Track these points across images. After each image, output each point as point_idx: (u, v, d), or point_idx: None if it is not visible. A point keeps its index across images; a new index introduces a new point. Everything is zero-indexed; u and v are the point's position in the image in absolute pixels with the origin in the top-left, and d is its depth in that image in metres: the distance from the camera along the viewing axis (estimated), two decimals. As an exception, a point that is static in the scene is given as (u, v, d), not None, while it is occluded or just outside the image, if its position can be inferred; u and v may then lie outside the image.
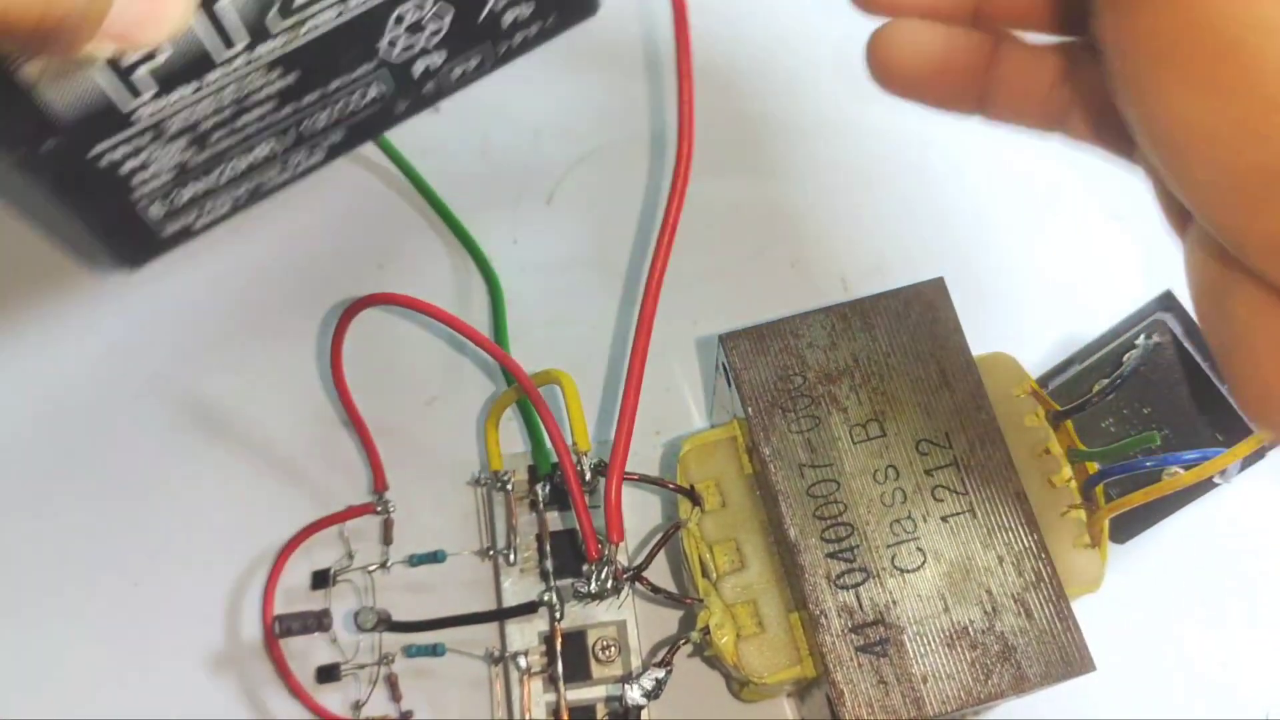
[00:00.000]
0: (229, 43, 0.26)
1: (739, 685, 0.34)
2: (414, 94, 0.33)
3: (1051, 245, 0.41)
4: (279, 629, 0.35)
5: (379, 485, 0.37)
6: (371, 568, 0.36)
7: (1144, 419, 0.36)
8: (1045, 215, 0.42)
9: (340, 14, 0.28)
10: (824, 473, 0.31)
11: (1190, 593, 0.37)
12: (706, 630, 0.31)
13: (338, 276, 0.42)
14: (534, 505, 0.36)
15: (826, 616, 0.29)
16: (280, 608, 0.37)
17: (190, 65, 0.26)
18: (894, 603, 0.29)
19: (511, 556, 0.36)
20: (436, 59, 0.32)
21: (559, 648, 0.34)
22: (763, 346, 0.32)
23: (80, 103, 0.25)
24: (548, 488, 0.36)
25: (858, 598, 0.30)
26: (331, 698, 0.35)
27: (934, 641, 0.29)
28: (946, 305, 0.33)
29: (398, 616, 0.34)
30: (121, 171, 0.28)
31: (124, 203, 0.29)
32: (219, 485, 0.39)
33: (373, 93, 0.32)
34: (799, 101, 0.44)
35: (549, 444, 0.34)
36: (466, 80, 0.34)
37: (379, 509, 0.37)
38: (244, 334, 0.41)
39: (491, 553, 0.36)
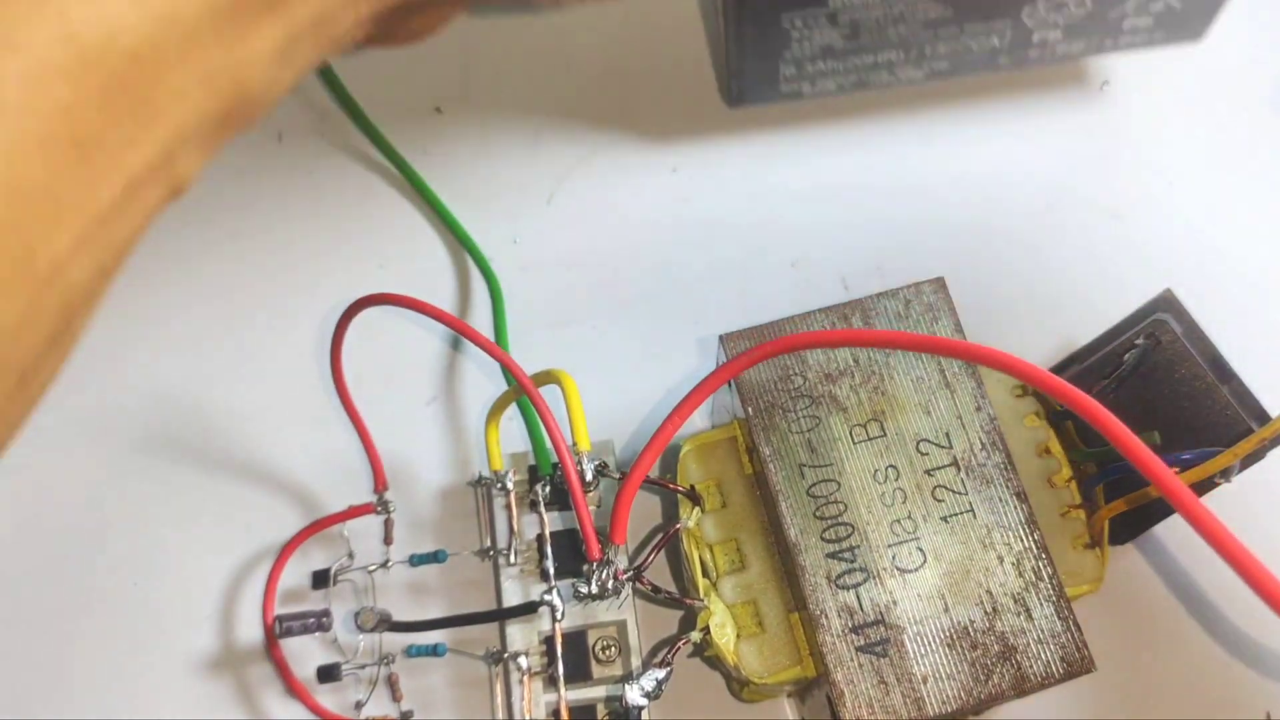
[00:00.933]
0: None
1: (739, 685, 0.34)
2: (1018, 55, 0.37)
3: (1051, 245, 0.41)
4: (279, 629, 0.35)
5: (379, 485, 0.37)
6: (372, 568, 0.36)
7: (1145, 418, 0.36)
8: (1045, 215, 0.42)
9: None
10: (824, 473, 0.31)
11: (1190, 593, 0.37)
12: (707, 630, 0.31)
13: (338, 276, 0.42)
14: (534, 505, 0.36)
15: (827, 616, 0.29)
16: (280, 608, 0.37)
17: None
18: (894, 603, 0.29)
19: (512, 556, 0.36)
20: (1055, 35, 0.36)
21: (559, 648, 0.34)
22: (763, 346, 0.32)
23: None
24: (548, 488, 0.36)
25: (858, 598, 0.30)
26: (332, 698, 0.36)
27: (934, 641, 0.29)
28: (947, 305, 0.33)
29: (398, 616, 0.34)
30: (792, 33, 0.34)
31: (773, 53, 0.35)
32: (219, 485, 0.39)
33: (992, 41, 0.37)
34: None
35: (549, 444, 0.34)
36: (1063, 59, 0.38)
37: (379, 509, 0.37)
38: (244, 333, 0.41)
39: (492, 553, 0.36)
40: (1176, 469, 0.31)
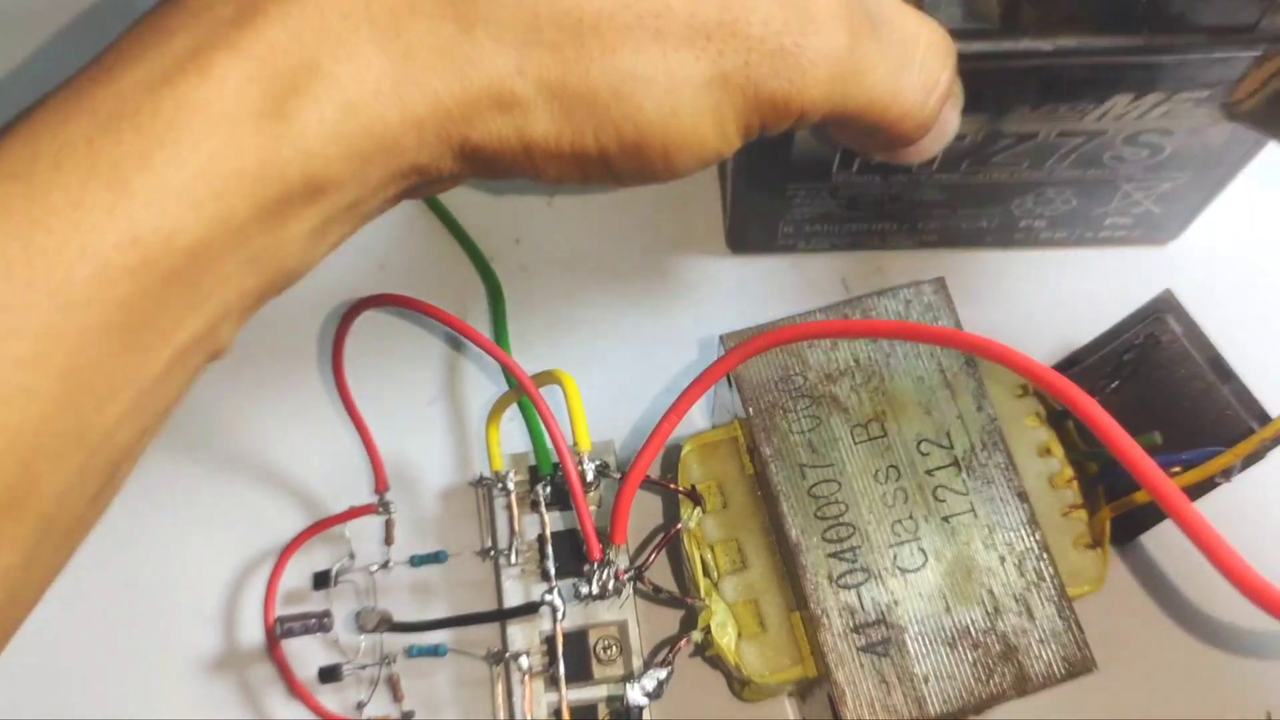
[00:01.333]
0: (927, 164, 0.34)
1: (740, 685, 0.34)
2: (1003, 236, 0.40)
3: (1051, 243, 0.41)
4: (280, 630, 0.35)
5: (380, 486, 0.37)
6: (373, 568, 0.36)
7: (1145, 418, 0.36)
8: (1045, 215, 0.42)
9: (1011, 175, 0.35)
10: (825, 473, 0.31)
11: (1191, 592, 0.37)
12: (708, 630, 0.31)
13: (338, 277, 0.42)
14: (535, 505, 0.36)
15: (828, 616, 0.29)
16: (282, 609, 0.37)
17: (887, 166, 0.33)
18: (896, 603, 0.29)
19: (513, 557, 0.36)
20: (1040, 224, 0.39)
21: (560, 648, 0.34)
22: (764, 347, 0.32)
23: (811, 159, 0.34)
24: (549, 488, 0.36)
25: (859, 597, 0.30)
26: (333, 698, 0.35)
27: (936, 641, 0.29)
28: (947, 305, 0.33)
29: (399, 617, 0.34)
30: (794, 200, 0.36)
31: (775, 215, 0.37)
32: (220, 486, 0.39)
33: (981, 224, 0.39)
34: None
35: (550, 444, 0.34)
36: (1045, 244, 0.40)
37: (380, 509, 0.37)
38: (244, 334, 0.41)
39: (493, 553, 0.36)
40: (1178, 468, 0.31)
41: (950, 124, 0.25)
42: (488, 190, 0.43)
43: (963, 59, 0.28)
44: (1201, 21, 0.28)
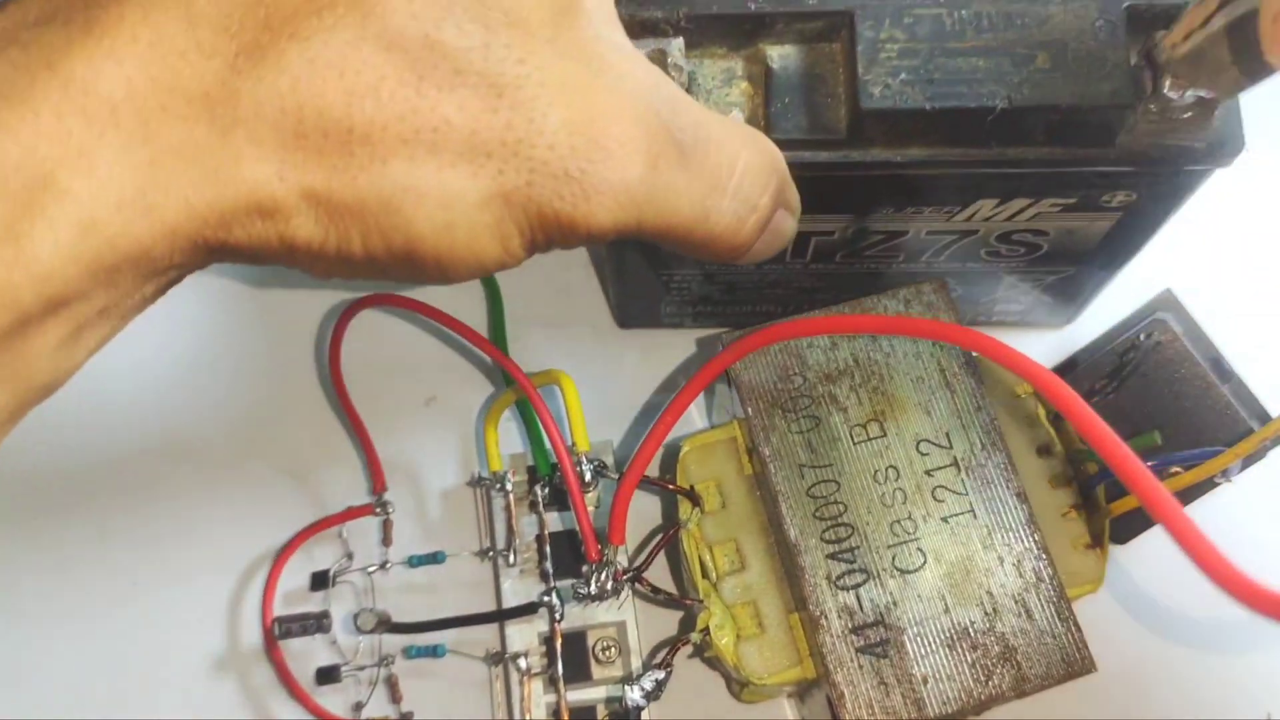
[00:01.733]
0: (800, 256, 0.33)
1: (739, 686, 0.34)
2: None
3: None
4: (279, 631, 0.35)
5: (378, 486, 0.37)
6: (371, 569, 0.36)
7: (1145, 418, 0.36)
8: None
9: (888, 267, 0.34)
10: (824, 473, 0.31)
11: (1191, 592, 0.37)
12: (706, 631, 0.31)
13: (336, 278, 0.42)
14: (533, 506, 0.36)
15: (827, 617, 0.29)
16: (280, 609, 0.37)
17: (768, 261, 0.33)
18: (894, 604, 0.29)
19: (511, 557, 0.36)
20: None
21: (559, 649, 0.34)
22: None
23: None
24: (547, 489, 0.36)
25: (858, 598, 0.29)
26: (332, 699, 0.35)
27: (935, 642, 0.29)
28: (947, 305, 0.33)
29: (397, 618, 0.34)
30: (670, 284, 0.36)
31: (654, 297, 0.37)
32: (218, 487, 0.38)
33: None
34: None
35: (548, 444, 0.34)
36: None
37: (378, 510, 0.37)
38: (242, 334, 0.41)
39: (491, 554, 0.36)
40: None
41: (783, 233, 0.25)
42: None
43: (810, 167, 0.27)
44: (1051, 140, 0.27)
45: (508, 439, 0.38)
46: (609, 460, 0.37)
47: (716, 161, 0.22)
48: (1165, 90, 0.25)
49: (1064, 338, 0.39)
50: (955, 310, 0.33)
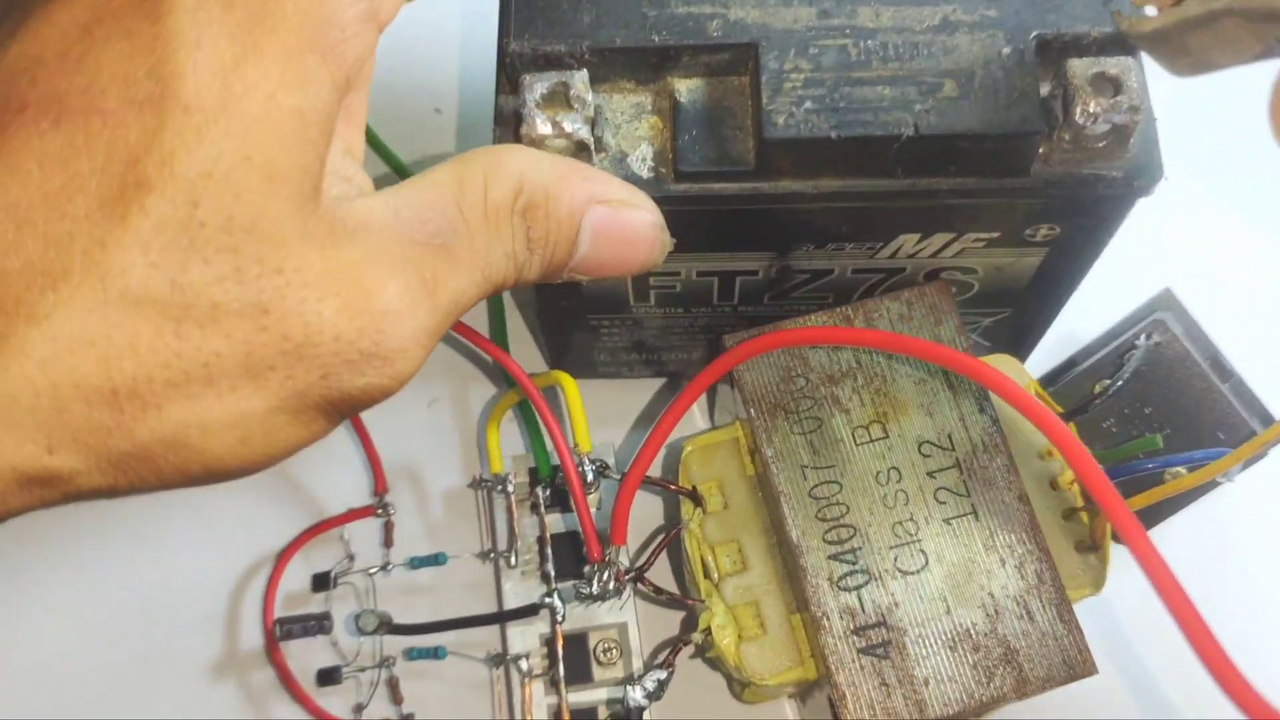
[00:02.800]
0: (728, 298, 0.33)
1: (740, 687, 0.34)
2: None
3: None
4: (280, 632, 0.35)
5: (379, 487, 0.37)
6: (372, 570, 0.36)
7: (1145, 418, 0.36)
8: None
9: (820, 305, 0.33)
10: (826, 474, 0.31)
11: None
12: (708, 632, 0.31)
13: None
14: (535, 508, 0.36)
15: (829, 618, 0.29)
16: (281, 611, 0.37)
17: (690, 298, 0.33)
18: (896, 605, 0.29)
19: (512, 559, 0.36)
20: None
21: (560, 650, 0.34)
22: (764, 348, 0.32)
23: (604, 293, 0.33)
24: (548, 490, 0.36)
25: (860, 600, 0.29)
26: (332, 701, 0.35)
27: (936, 644, 0.29)
28: (950, 307, 0.33)
29: (399, 619, 0.34)
30: (601, 330, 0.36)
31: (586, 344, 0.37)
32: (218, 488, 0.38)
33: None
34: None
35: (550, 446, 0.34)
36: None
37: (379, 511, 0.37)
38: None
39: (492, 555, 0.36)
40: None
41: (627, 223, 0.24)
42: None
43: (721, 200, 0.27)
44: (964, 171, 0.27)
45: (509, 440, 0.38)
46: (611, 462, 0.37)
47: (482, 229, 0.22)
48: (1077, 118, 0.25)
49: (1063, 338, 0.39)
50: (957, 313, 0.33)
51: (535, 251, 0.22)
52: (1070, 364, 0.38)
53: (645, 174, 0.28)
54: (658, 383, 0.40)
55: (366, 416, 0.38)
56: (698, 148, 0.27)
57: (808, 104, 0.26)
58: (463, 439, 0.39)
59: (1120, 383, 0.35)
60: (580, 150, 0.26)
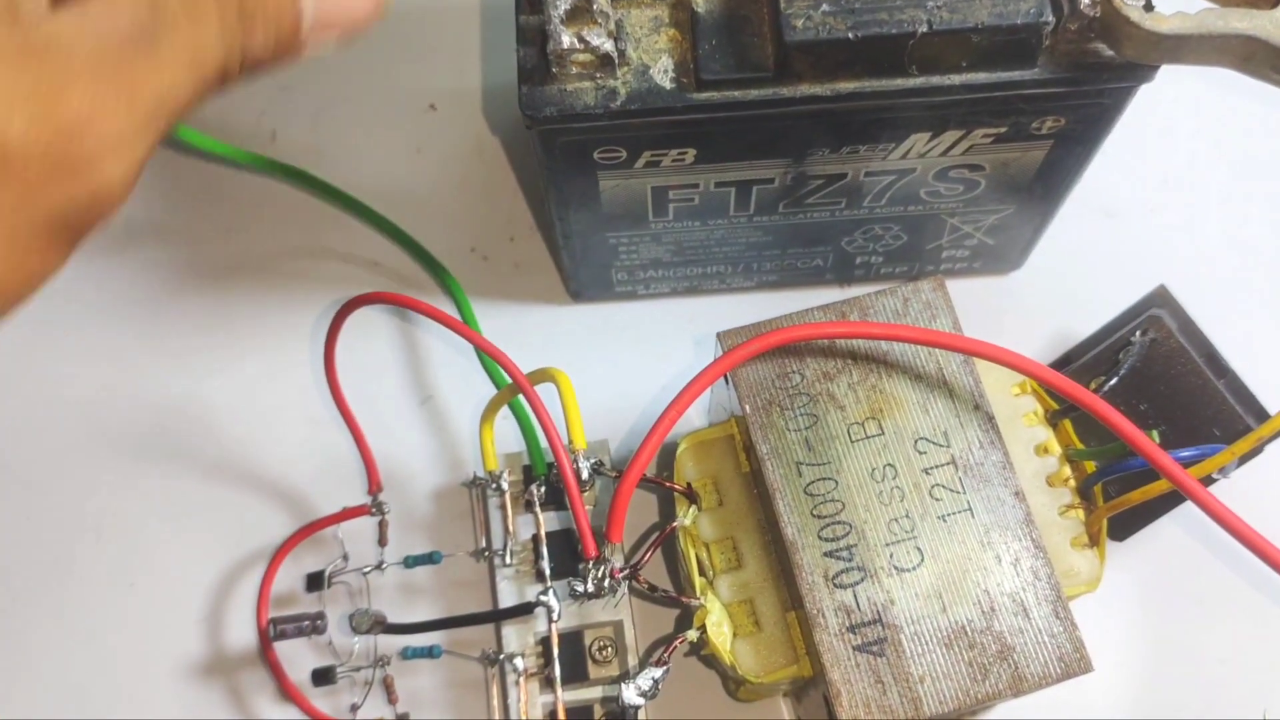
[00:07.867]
0: (744, 208, 0.34)
1: (735, 685, 0.34)
2: (844, 274, 0.40)
3: (1046, 241, 0.41)
4: (274, 632, 0.35)
5: (373, 486, 0.37)
6: (366, 569, 0.36)
7: (1141, 415, 0.36)
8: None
9: (832, 214, 0.35)
10: (821, 471, 0.31)
11: (1188, 591, 0.37)
12: (703, 629, 0.31)
13: (331, 275, 0.41)
14: (529, 506, 0.36)
15: (824, 615, 0.29)
16: (275, 611, 0.36)
17: (707, 210, 0.34)
18: (891, 602, 0.29)
19: (507, 557, 0.35)
20: (877, 259, 0.39)
21: (555, 649, 0.34)
22: (759, 345, 0.32)
23: (623, 209, 0.34)
24: (543, 488, 0.36)
25: (855, 597, 0.29)
26: (327, 701, 0.35)
27: (931, 641, 0.29)
28: (945, 303, 0.32)
29: (393, 618, 0.34)
30: (619, 248, 0.37)
31: (604, 264, 0.38)
32: (212, 487, 0.38)
33: (816, 262, 0.39)
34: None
35: (544, 444, 0.34)
36: (888, 279, 0.41)
37: (374, 510, 0.37)
38: (237, 333, 0.41)
39: (487, 554, 0.36)
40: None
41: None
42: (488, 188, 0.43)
43: (741, 106, 0.29)
44: (973, 66, 0.29)
45: (503, 438, 0.38)
46: (606, 460, 0.37)
47: (183, 13, 0.21)
48: (1082, 7, 0.27)
49: (1058, 334, 0.39)
50: (953, 309, 0.32)
51: (255, 26, 0.22)
52: (1065, 360, 0.38)
53: (668, 84, 0.29)
54: (657, 383, 0.40)
55: (360, 415, 0.38)
56: (718, 56, 0.29)
57: (824, 6, 0.28)
58: (457, 437, 0.39)
59: (1115, 379, 0.35)
60: (605, 63, 0.28)
